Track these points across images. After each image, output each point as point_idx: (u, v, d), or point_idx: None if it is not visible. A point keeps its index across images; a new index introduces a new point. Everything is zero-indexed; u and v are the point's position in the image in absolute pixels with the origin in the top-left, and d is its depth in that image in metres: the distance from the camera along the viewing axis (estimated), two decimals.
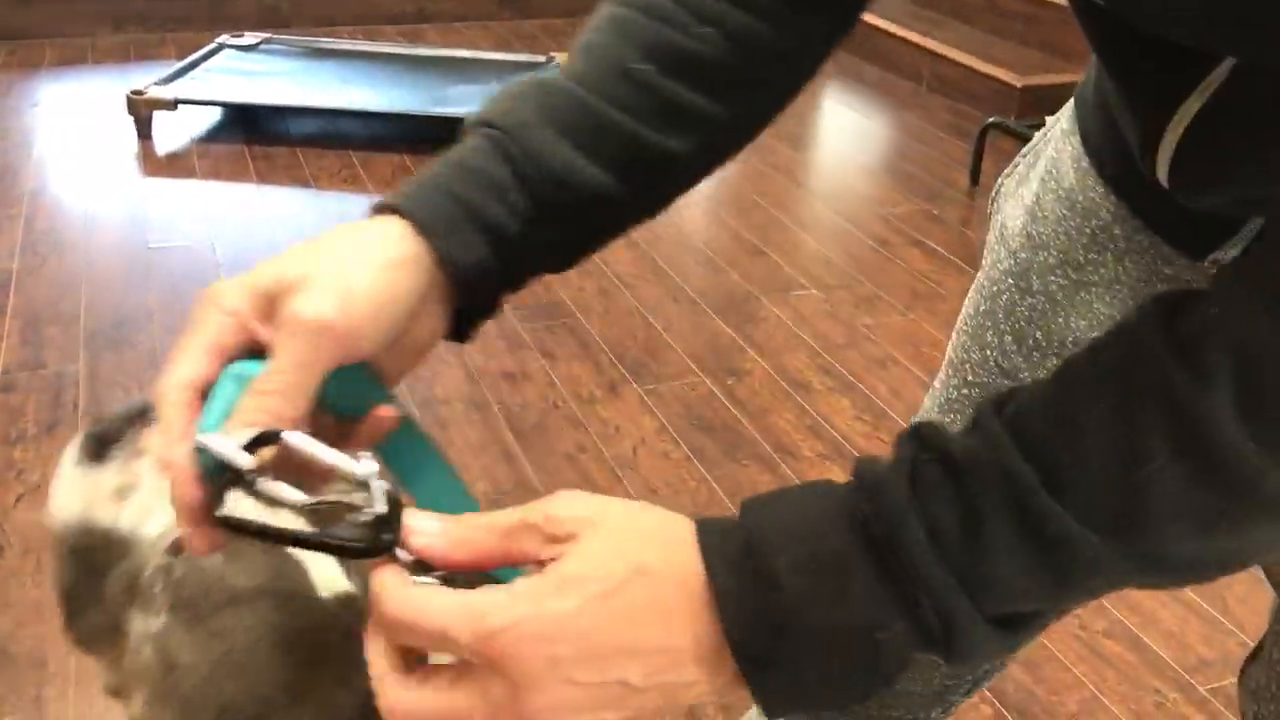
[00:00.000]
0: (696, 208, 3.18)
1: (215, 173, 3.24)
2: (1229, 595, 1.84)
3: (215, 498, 0.45)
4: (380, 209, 0.56)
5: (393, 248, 0.53)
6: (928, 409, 0.95)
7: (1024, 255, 0.81)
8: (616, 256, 2.82)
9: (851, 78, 4.35)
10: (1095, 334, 0.78)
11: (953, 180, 3.44)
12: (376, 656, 0.44)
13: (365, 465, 0.45)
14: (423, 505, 0.46)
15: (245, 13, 4.47)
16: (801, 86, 0.67)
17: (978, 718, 1.60)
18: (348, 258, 0.52)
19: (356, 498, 0.44)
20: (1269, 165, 0.57)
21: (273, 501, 0.45)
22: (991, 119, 3.29)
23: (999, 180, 0.89)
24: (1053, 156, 0.81)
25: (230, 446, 0.45)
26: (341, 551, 0.44)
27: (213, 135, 3.49)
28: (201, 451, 0.46)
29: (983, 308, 0.86)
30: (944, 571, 0.43)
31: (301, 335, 0.49)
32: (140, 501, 0.56)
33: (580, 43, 0.63)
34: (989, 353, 0.85)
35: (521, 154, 0.57)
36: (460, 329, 0.59)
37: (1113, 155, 0.74)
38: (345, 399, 0.51)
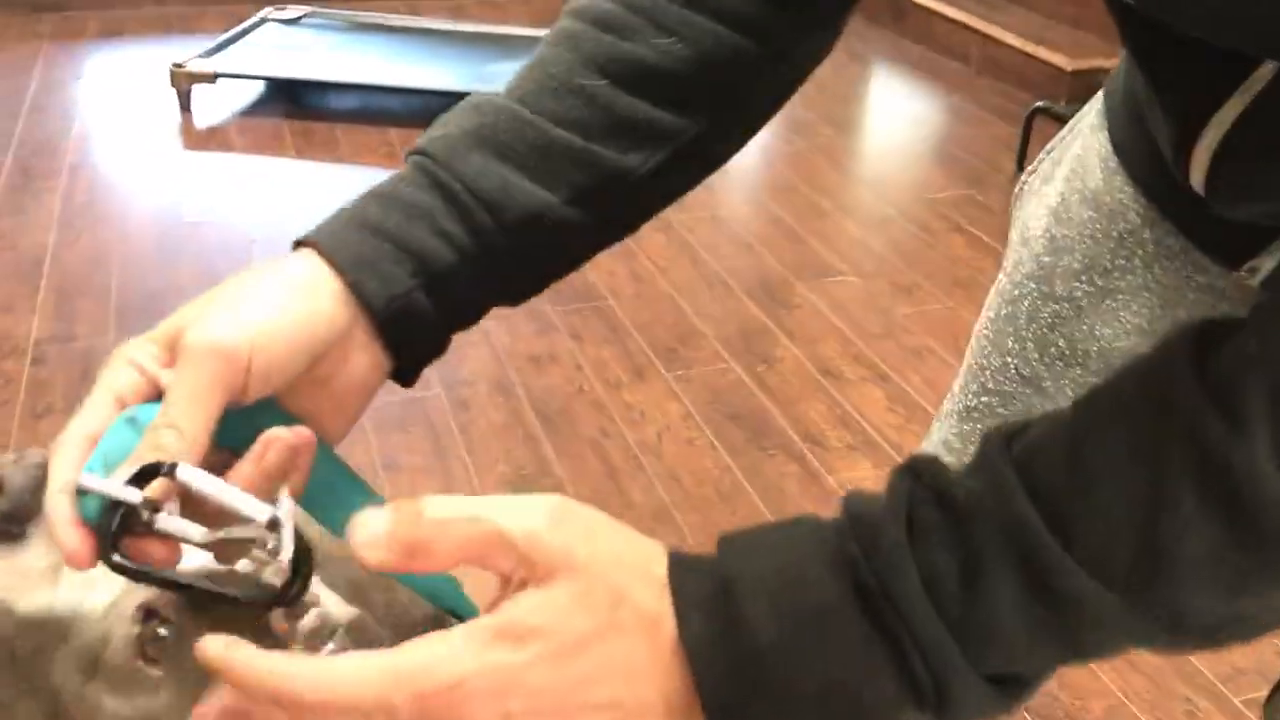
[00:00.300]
0: (734, 191, 3.14)
1: (254, 147, 3.24)
2: None
3: (105, 543, 0.42)
4: (297, 244, 0.53)
5: (296, 275, 0.50)
6: (946, 414, 0.91)
7: (1047, 259, 0.77)
8: (650, 240, 2.78)
9: (898, 59, 4.27)
10: (1121, 343, 0.74)
11: (999, 165, 3.37)
12: None
13: (268, 507, 0.41)
14: (338, 534, 0.43)
15: None
16: (784, 97, 0.62)
17: None
18: (247, 287, 0.49)
19: (260, 534, 0.41)
20: None
21: (167, 538, 0.42)
22: (1039, 103, 3.20)
23: (1022, 178, 0.84)
24: (1078, 154, 0.76)
25: (113, 483, 0.42)
26: (248, 605, 0.41)
27: (253, 109, 3.49)
28: (84, 495, 0.42)
29: (1004, 312, 0.82)
30: (940, 626, 0.39)
31: (193, 362, 0.45)
32: (80, 575, 0.50)
33: (528, 62, 0.59)
34: (1009, 359, 0.82)
35: (451, 179, 0.54)
36: (401, 370, 0.55)
37: (1143, 155, 0.69)
38: (254, 438, 0.47)
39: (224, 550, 0.43)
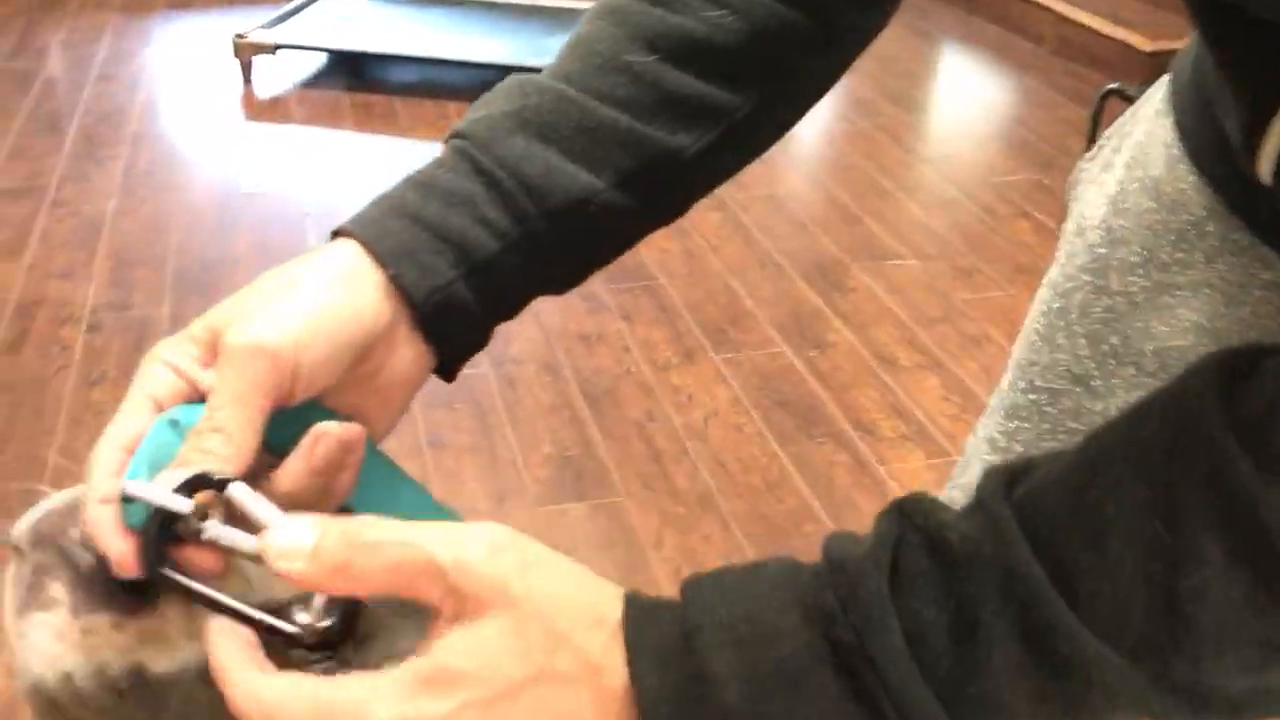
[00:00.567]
0: (793, 170, 3.08)
1: (313, 119, 3.25)
2: None
3: (152, 552, 0.40)
4: (335, 234, 0.50)
5: (337, 268, 0.48)
6: (992, 409, 0.87)
7: (1103, 250, 0.73)
8: (704, 219, 2.74)
9: (969, 37, 4.17)
10: (1178, 341, 0.70)
11: (1069, 149, 3.27)
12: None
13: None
14: None
15: None
16: (836, 75, 0.59)
17: None
18: (286, 283, 0.47)
19: None
20: None
21: (214, 547, 0.40)
22: (1112, 85, 3.10)
23: (1079, 164, 0.80)
24: (1140, 140, 0.72)
25: (161, 491, 0.40)
26: (286, 639, 0.39)
27: (314, 81, 3.50)
28: (129, 502, 0.40)
29: (1055, 305, 0.78)
30: (924, 688, 0.35)
31: (236, 364, 0.43)
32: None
33: (570, 39, 0.56)
34: (1059, 356, 0.77)
35: (493, 164, 0.51)
36: (444, 364, 0.53)
37: (1209, 144, 0.65)
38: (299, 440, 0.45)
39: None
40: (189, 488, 0.40)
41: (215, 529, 0.40)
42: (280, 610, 0.39)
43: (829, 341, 2.32)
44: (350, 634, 0.40)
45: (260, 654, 0.39)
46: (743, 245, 2.67)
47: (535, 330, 2.29)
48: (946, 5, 4.43)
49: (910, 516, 0.38)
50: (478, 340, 0.54)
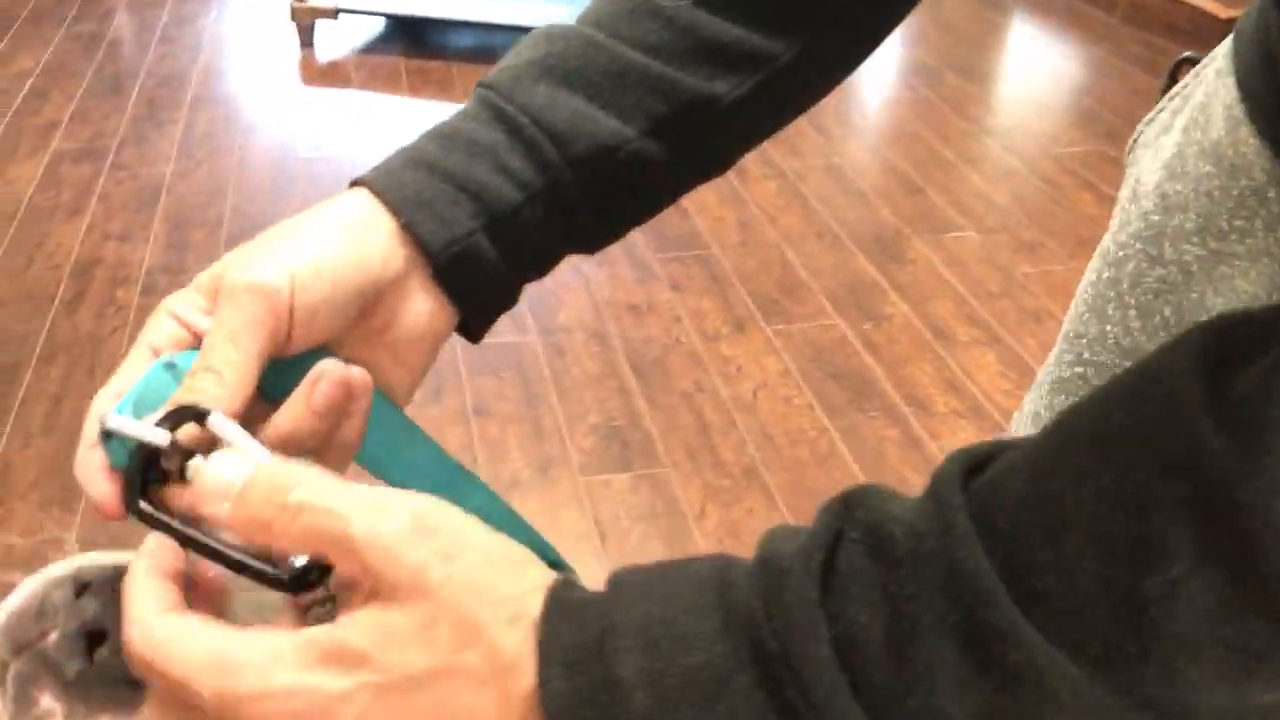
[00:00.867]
0: (851, 139, 3.02)
1: (370, 84, 3.25)
2: None
3: (133, 489, 0.39)
4: (352, 185, 0.49)
5: (347, 215, 0.46)
6: (1038, 383, 0.83)
7: (1157, 217, 0.69)
8: (761, 187, 2.70)
9: (1039, 6, 4.05)
10: None
11: (1137, 119, 3.16)
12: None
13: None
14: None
15: None
16: (886, 27, 0.55)
17: None
18: (294, 228, 0.45)
19: None
20: None
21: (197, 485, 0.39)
22: (1185, 54, 3.00)
23: (1138, 128, 0.76)
24: (1201, 102, 0.68)
25: (140, 425, 0.38)
26: (262, 580, 0.37)
27: (372, 46, 3.50)
28: (109, 437, 0.39)
29: (1105, 275, 0.75)
30: (852, 704, 0.31)
31: (230, 303, 0.42)
32: None
33: None
34: (1109, 328, 0.74)
35: (516, 111, 0.49)
36: (468, 323, 0.51)
37: (1273, 105, 0.61)
38: None
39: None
40: (171, 422, 0.39)
41: (199, 464, 0.38)
42: (270, 555, 0.38)
43: (885, 314, 2.28)
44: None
45: (177, 595, 0.37)
46: (800, 215, 2.63)
47: (584, 299, 2.27)
48: None
49: (853, 508, 0.34)
50: (503, 297, 0.51)
